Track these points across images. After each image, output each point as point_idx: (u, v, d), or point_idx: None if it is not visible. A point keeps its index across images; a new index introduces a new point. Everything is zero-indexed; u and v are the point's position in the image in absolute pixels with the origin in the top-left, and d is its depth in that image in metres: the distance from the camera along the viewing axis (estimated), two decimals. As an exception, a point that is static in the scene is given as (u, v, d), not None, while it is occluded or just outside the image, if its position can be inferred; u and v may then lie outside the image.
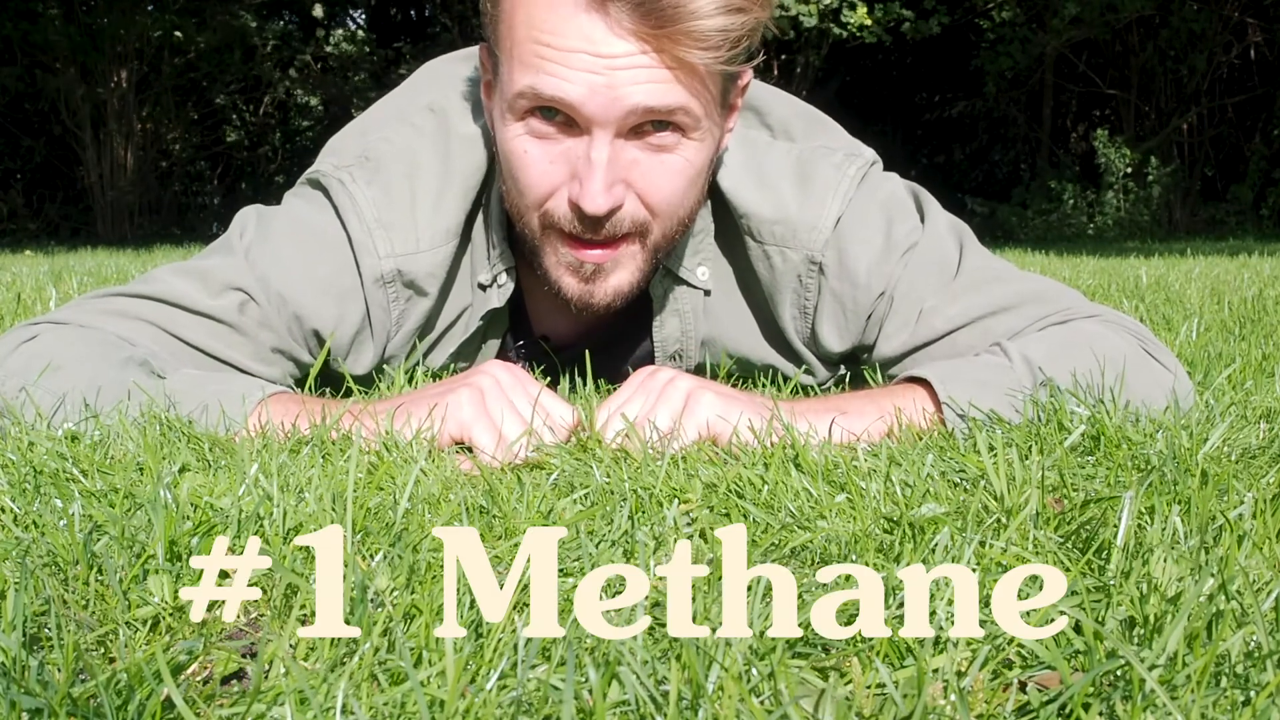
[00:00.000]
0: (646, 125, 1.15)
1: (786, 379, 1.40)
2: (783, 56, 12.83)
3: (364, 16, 16.69)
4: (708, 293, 1.38)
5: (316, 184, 1.31)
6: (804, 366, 1.39)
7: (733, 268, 1.38)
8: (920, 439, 1.08)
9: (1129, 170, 12.19)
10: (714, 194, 1.34)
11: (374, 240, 1.27)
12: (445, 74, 1.41)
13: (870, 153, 1.36)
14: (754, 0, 1.12)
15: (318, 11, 14.12)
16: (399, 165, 1.30)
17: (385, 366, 1.35)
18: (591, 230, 1.19)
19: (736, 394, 1.10)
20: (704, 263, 1.36)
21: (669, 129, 1.15)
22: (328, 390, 1.32)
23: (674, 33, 1.08)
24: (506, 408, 1.06)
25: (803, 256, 1.30)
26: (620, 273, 1.24)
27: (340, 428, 1.06)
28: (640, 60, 1.10)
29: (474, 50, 1.43)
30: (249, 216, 1.32)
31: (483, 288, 1.35)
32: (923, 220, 1.32)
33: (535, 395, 1.07)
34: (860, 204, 1.30)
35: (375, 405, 1.10)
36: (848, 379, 1.46)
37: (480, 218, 1.34)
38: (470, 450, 1.05)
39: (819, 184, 1.30)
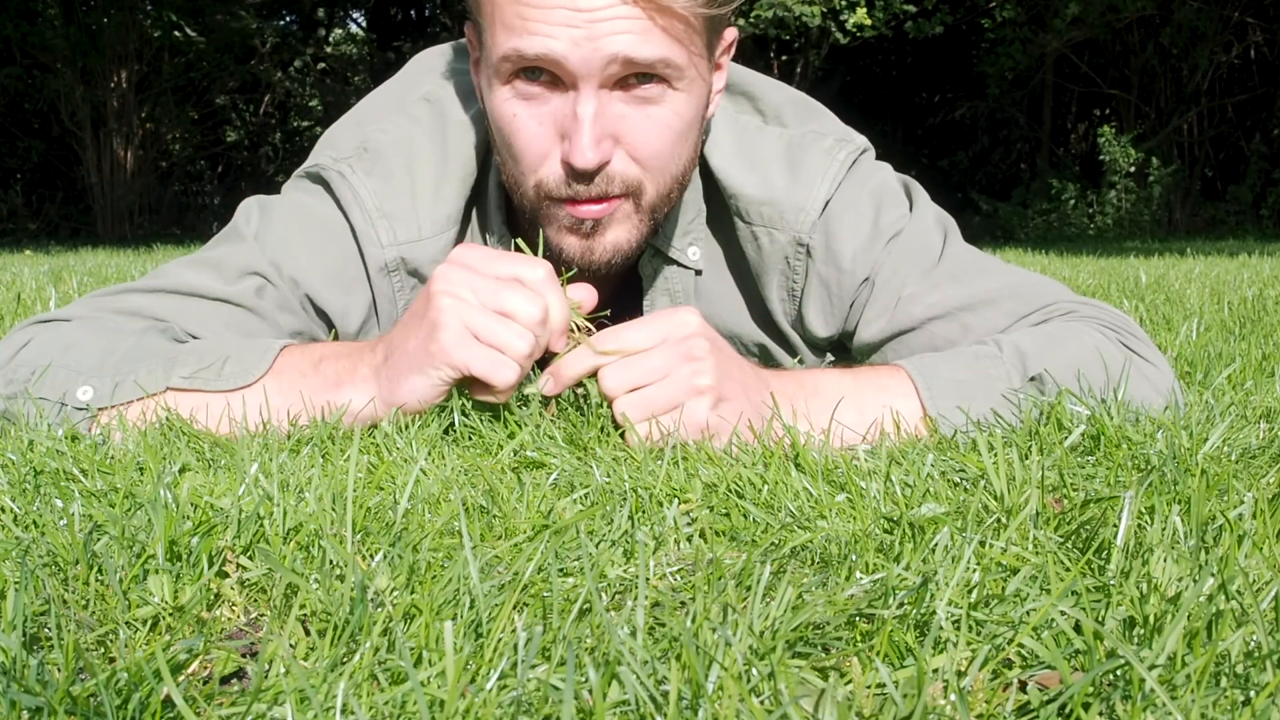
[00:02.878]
0: (631, 78, 1.15)
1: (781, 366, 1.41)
2: (783, 57, 12.84)
3: (364, 16, 16.68)
4: (699, 272, 1.38)
5: (316, 177, 1.32)
6: (797, 357, 1.40)
7: (723, 249, 1.39)
8: (905, 438, 1.08)
9: (1132, 169, 12.20)
10: (705, 175, 1.35)
11: (377, 230, 1.28)
12: (437, 66, 1.42)
13: (862, 140, 1.37)
14: None
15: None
16: (397, 155, 1.30)
17: None
18: (585, 185, 1.18)
19: (743, 388, 1.09)
20: (695, 243, 1.37)
21: (653, 80, 1.15)
22: None
23: None
24: (494, 321, 1.03)
25: (790, 238, 1.31)
26: (617, 229, 1.23)
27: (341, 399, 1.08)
28: (619, 10, 1.10)
29: (455, 47, 1.43)
30: (252, 206, 1.33)
31: None
32: (911, 209, 1.33)
33: (531, 277, 1.05)
34: (850, 190, 1.31)
35: (366, 357, 1.11)
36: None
37: (479, 203, 1.35)
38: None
39: (808, 168, 1.31)
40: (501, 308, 1.03)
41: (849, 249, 1.30)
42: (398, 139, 1.31)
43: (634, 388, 1.05)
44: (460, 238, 1.33)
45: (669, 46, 1.13)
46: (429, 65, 1.44)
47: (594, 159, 1.15)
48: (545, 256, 1.24)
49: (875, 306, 1.30)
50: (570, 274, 1.13)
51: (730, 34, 1.25)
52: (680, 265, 1.37)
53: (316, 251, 1.27)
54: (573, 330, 1.11)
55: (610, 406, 1.06)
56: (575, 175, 1.17)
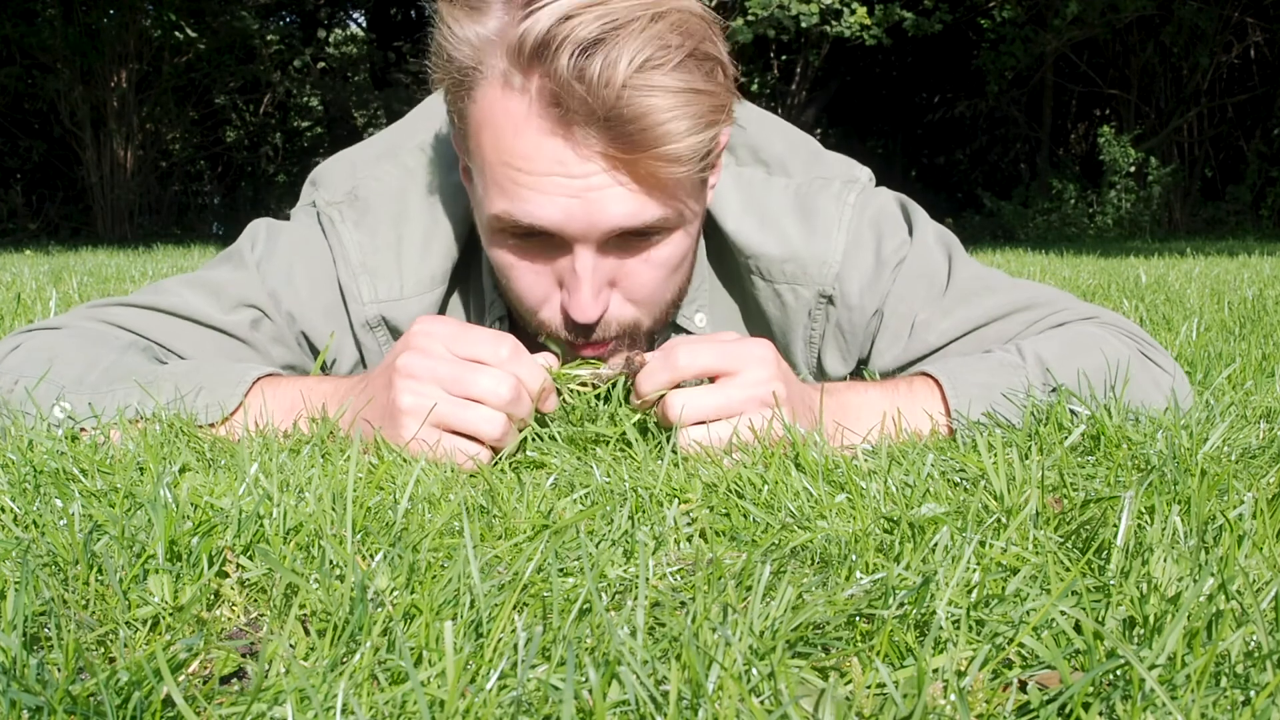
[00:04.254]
0: (629, 234, 1.13)
1: None
2: (783, 57, 12.84)
3: (364, 16, 16.69)
4: None
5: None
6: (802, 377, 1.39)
7: (740, 306, 1.38)
8: (921, 442, 1.08)
9: (1132, 169, 12.20)
10: (716, 236, 1.33)
11: (359, 285, 1.26)
12: (438, 114, 1.38)
13: (865, 174, 1.35)
14: (720, 110, 1.09)
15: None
16: (387, 207, 1.28)
17: None
18: (583, 335, 1.18)
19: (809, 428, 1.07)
20: (701, 309, 1.35)
21: (650, 233, 1.14)
22: None
23: (645, 158, 1.06)
24: (463, 410, 1.00)
25: (814, 292, 1.30)
26: (618, 355, 1.23)
27: (331, 415, 1.07)
28: (611, 179, 1.07)
29: None
30: (259, 230, 1.32)
31: None
32: (910, 233, 1.32)
33: (494, 356, 1.02)
34: (854, 228, 1.30)
35: (344, 385, 1.10)
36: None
37: (472, 261, 1.33)
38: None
39: (822, 218, 1.29)
40: (469, 393, 1.00)
41: (855, 286, 1.29)
42: (390, 190, 1.30)
43: (701, 420, 1.02)
44: (448, 298, 1.32)
45: (664, 209, 1.11)
46: (429, 112, 1.41)
47: (595, 313, 1.14)
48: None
49: (887, 335, 1.29)
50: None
51: (724, 137, 1.20)
52: (688, 333, 1.36)
53: (317, 287, 1.27)
54: (565, 384, 1.11)
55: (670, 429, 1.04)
56: (574, 326, 1.16)
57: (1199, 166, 12.92)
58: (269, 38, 14.45)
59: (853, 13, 11.18)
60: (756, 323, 1.38)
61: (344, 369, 1.29)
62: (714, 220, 1.31)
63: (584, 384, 1.13)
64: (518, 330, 1.34)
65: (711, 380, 1.05)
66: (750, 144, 1.36)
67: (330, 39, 15.97)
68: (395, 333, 1.28)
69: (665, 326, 1.34)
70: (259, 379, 1.11)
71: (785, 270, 1.30)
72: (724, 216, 1.31)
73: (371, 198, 1.29)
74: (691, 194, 1.15)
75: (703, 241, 1.33)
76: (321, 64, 15.48)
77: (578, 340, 1.18)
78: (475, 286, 1.34)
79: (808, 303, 1.31)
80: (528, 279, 1.17)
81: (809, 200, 1.31)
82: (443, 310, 1.32)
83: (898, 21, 11.60)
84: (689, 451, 1.01)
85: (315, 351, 1.28)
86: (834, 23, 11.20)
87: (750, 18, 10.77)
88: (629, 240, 1.14)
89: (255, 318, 1.24)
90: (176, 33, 12.66)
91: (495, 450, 1.02)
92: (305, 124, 15.82)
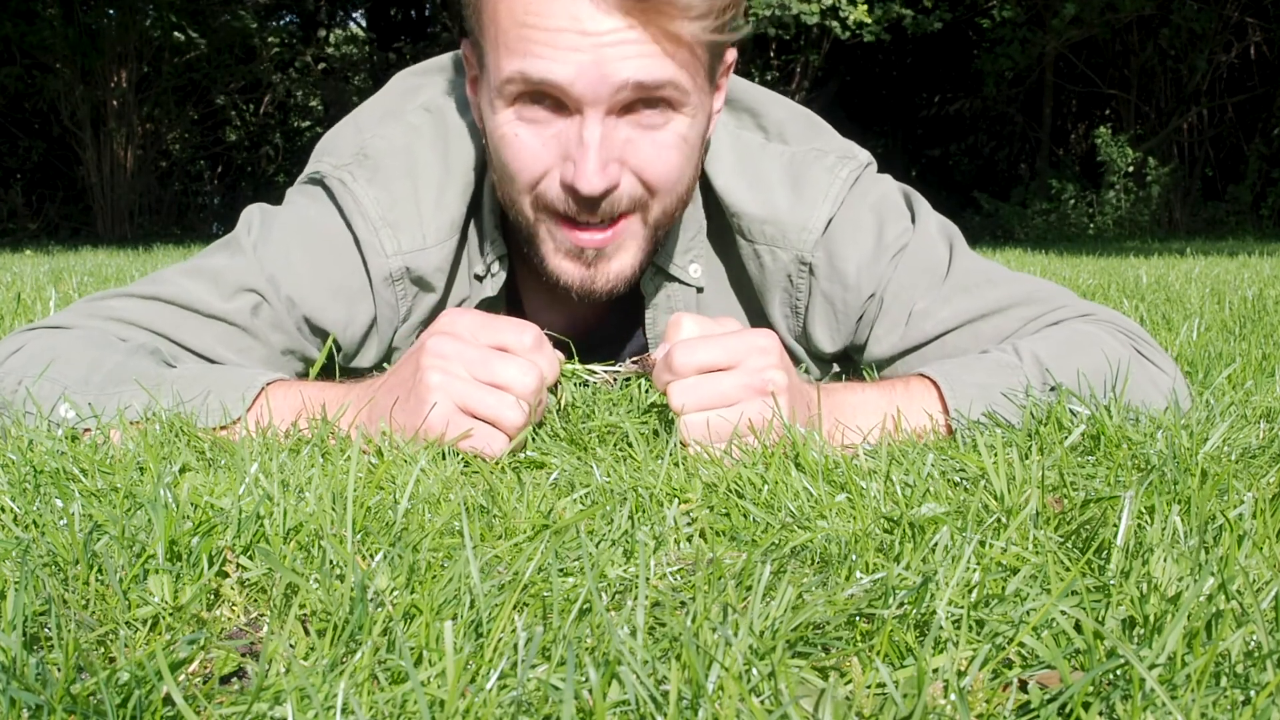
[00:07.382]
0: (637, 103, 1.14)
1: None
2: (783, 56, 12.84)
3: (364, 16, 16.70)
4: (700, 290, 1.38)
5: (319, 183, 1.31)
6: (802, 365, 1.40)
7: (725, 266, 1.39)
8: (919, 441, 1.08)
9: (1130, 169, 12.19)
10: (707, 192, 1.34)
11: (381, 239, 1.27)
12: (430, 79, 1.41)
13: (865, 155, 1.36)
14: None
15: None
16: (398, 162, 1.30)
17: (390, 361, 1.36)
18: (589, 211, 1.17)
19: (807, 423, 1.07)
20: (696, 260, 1.36)
21: (659, 105, 1.15)
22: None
23: (660, 4, 1.08)
24: (488, 394, 1.01)
25: (792, 256, 1.31)
26: (623, 255, 1.23)
27: (338, 428, 1.06)
28: (628, 35, 1.09)
29: (446, 60, 1.42)
30: (254, 214, 1.32)
31: (479, 278, 1.35)
32: (913, 221, 1.33)
33: (519, 343, 1.04)
34: (852, 206, 1.31)
35: (354, 391, 1.10)
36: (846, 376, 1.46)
37: (475, 214, 1.35)
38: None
39: (811, 186, 1.31)
40: (494, 379, 1.01)
41: (853, 266, 1.29)
42: (398, 147, 1.31)
43: (702, 408, 1.03)
44: (460, 248, 1.33)
45: (676, 71, 1.13)
46: (421, 80, 1.42)
47: (600, 184, 1.14)
48: (544, 281, 1.24)
49: (885, 322, 1.29)
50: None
51: (730, 55, 1.24)
52: (682, 283, 1.37)
53: (319, 266, 1.27)
54: (575, 379, 1.13)
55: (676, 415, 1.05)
56: (579, 200, 1.16)
57: (1199, 166, 12.92)
58: (269, 38, 14.44)
59: (854, 4, 11.17)
60: (739, 281, 1.39)
61: (356, 336, 1.30)
62: (706, 177, 1.32)
63: (597, 381, 1.14)
64: (518, 310, 1.35)
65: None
66: (752, 109, 1.37)
67: (330, 39, 15.97)
68: (418, 282, 1.30)
69: (659, 273, 1.35)
70: (266, 385, 1.11)
71: (765, 231, 1.31)
72: (715, 173, 1.32)
73: (381, 155, 1.30)
74: (701, 74, 1.17)
75: (699, 194, 1.34)
76: (322, 64, 15.48)
77: (581, 216, 1.18)
78: (478, 226, 1.35)
79: (785, 266, 1.32)
80: (531, 148, 1.17)
81: (802, 169, 1.32)
82: (458, 257, 1.33)
83: (897, 19, 11.60)
84: (689, 437, 1.02)
85: (317, 332, 1.28)
86: (832, 21, 11.19)
87: (751, 15, 10.77)
88: (637, 116, 1.15)
89: (255, 303, 1.24)
90: (176, 33, 12.65)
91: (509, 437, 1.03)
92: (305, 124, 15.82)
